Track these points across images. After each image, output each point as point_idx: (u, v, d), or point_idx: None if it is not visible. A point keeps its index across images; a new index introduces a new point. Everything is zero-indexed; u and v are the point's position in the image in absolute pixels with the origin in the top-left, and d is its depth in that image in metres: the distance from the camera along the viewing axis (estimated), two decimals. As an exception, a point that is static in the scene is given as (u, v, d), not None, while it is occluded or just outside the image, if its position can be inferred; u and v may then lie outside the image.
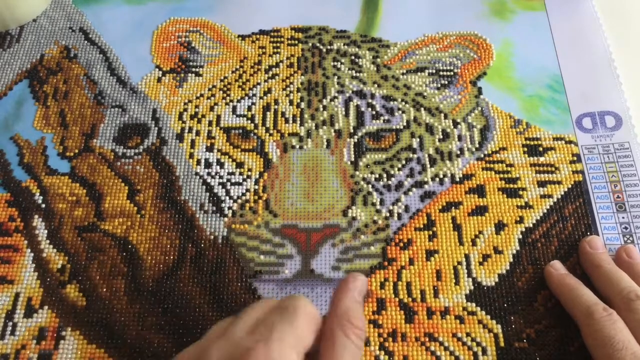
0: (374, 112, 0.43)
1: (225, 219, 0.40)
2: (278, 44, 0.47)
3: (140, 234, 0.39)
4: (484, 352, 0.35)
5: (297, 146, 0.42)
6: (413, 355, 0.35)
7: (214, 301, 0.37)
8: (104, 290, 0.37)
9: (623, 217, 0.39)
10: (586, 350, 0.33)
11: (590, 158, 0.42)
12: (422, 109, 0.44)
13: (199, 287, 0.37)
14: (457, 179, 0.41)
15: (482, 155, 0.42)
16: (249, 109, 0.44)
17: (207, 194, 0.41)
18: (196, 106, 0.44)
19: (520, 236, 0.39)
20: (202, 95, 0.45)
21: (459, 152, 0.42)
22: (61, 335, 0.36)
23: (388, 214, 0.40)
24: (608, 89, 0.44)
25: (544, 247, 0.38)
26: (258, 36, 0.48)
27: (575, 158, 0.42)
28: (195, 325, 0.36)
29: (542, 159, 0.42)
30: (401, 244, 0.39)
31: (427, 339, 0.36)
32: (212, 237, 0.39)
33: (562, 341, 0.35)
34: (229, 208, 0.40)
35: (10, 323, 0.36)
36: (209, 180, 0.41)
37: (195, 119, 0.44)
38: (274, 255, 0.38)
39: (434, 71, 0.46)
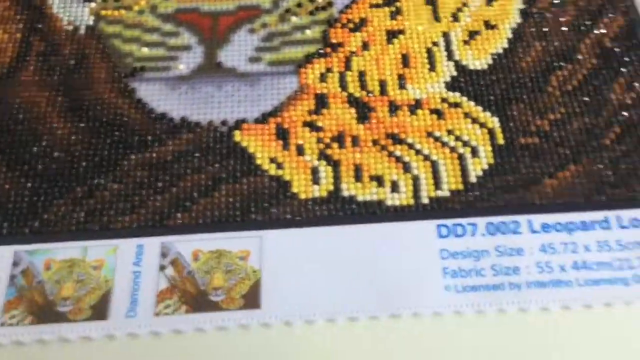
0: None
1: (92, 4, 0.27)
2: None
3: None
4: (475, 152, 0.24)
5: None
6: (369, 163, 0.23)
7: (70, 109, 0.25)
8: None
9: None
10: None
11: None
12: None
13: (47, 91, 0.25)
14: None
15: None
16: None
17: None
18: None
19: (522, 5, 0.27)
20: None
21: None
22: None
23: (331, -14, 0.27)
24: None
25: (555, 17, 0.27)
26: None
27: None
28: (42, 137, 0.24)
29: None
30: (351, 25, 0.27)
31: (389, 142, 0.24)
32: (70, 27, 0.27)
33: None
34: (98, -12, 0.27)
35: None
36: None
37: None
38: (164, 47, 0.27)
39: None
